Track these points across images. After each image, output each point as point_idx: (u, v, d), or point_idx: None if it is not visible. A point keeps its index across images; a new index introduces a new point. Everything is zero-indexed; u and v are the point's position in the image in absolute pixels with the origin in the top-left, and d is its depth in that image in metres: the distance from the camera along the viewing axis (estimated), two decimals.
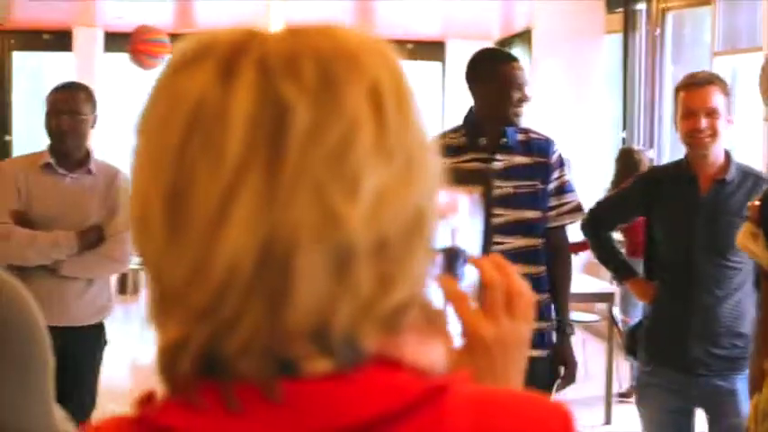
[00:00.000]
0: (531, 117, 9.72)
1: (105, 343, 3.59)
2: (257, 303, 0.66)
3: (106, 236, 3.42)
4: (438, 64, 12.57)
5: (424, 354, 0.75)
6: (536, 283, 3.17)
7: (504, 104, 3.18)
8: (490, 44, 11.45)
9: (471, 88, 3.27)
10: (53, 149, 3.46)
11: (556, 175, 3.28)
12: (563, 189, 3.29)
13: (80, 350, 3.39)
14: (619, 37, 8.29)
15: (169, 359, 0.69)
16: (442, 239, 0.85)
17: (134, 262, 7.74)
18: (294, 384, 0.68)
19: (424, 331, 0.76)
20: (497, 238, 3.19)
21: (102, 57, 11.82)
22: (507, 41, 11.30)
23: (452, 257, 0.89)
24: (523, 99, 3.20)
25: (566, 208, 3.30)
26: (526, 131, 3.30)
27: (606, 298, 5.93)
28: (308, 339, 0.68)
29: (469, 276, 0.89)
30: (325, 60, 0.68)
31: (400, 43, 11.95)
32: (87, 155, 3.52)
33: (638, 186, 3.47)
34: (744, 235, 2.74)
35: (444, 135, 3.27)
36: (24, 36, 12.08)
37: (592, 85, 8.66)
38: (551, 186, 3.27)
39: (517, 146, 3.24)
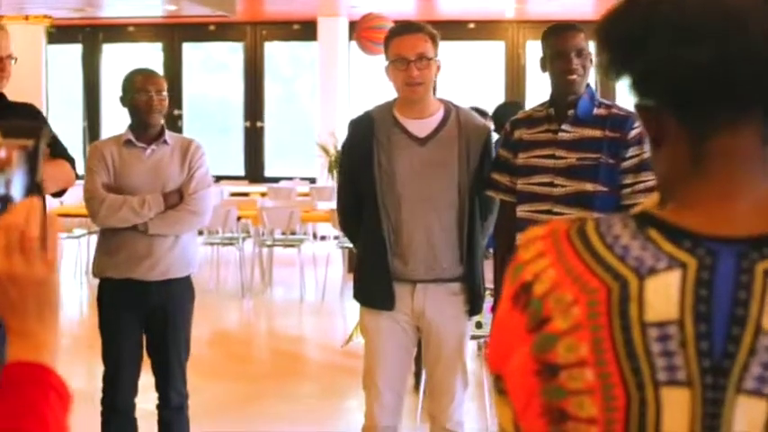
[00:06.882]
0: None
1: (194, 295, 3.91)
2: None
3: (185, 196, 3.79)
4: None
5: None
6: None
7: (553, 77, 3.29)
8: None
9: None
10: (135, 126, 3.85)
11: (633, 152, 3.21)
12: (641, 167, 3.19)
13: (171, 302, 3.79)
14: None
15: None
16: None
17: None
18: None
19: None
20: (558, 209, 3.24)
21: (345, 44, 12.41)
22: None
23: (4, 204, 1.01)
24: (567, 69, 3.24)
25: (641, 186, 3.20)
26: (609, 107, 3.29)
27: None
28: None
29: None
30: None
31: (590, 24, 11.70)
32: (162, 129, 3.90)
33: None
34: None
35: (534, 108, 3.43)
36: (275, 27, 12.88)
37: None
38: (628, 163, 3.21)
39: (590, 119, 3.26)
